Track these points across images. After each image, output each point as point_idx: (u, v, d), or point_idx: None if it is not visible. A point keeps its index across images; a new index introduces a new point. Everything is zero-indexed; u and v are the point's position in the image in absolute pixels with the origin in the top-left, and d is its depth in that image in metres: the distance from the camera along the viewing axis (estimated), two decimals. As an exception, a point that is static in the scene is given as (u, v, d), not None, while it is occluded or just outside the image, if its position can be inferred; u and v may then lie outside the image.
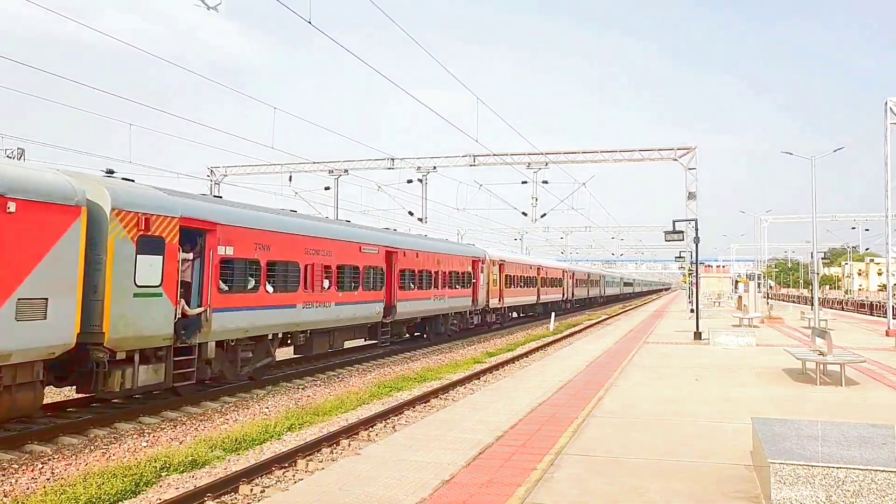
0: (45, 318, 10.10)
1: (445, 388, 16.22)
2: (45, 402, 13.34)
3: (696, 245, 26.80)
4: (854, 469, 5.65)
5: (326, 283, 18.15)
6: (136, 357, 12.04)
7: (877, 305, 57.27)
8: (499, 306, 34.77)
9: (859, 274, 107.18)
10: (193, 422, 12.57)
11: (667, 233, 29.82)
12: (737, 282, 57.20)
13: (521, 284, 39.58)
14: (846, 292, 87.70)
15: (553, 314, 40.38)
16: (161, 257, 12.30)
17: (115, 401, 14.12)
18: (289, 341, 17.70)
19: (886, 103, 25.74)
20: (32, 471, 9.40)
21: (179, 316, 12.94)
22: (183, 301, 13.17)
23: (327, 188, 37.21)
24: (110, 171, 12.83)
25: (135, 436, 11.45)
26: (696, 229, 26.43)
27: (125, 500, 8.37)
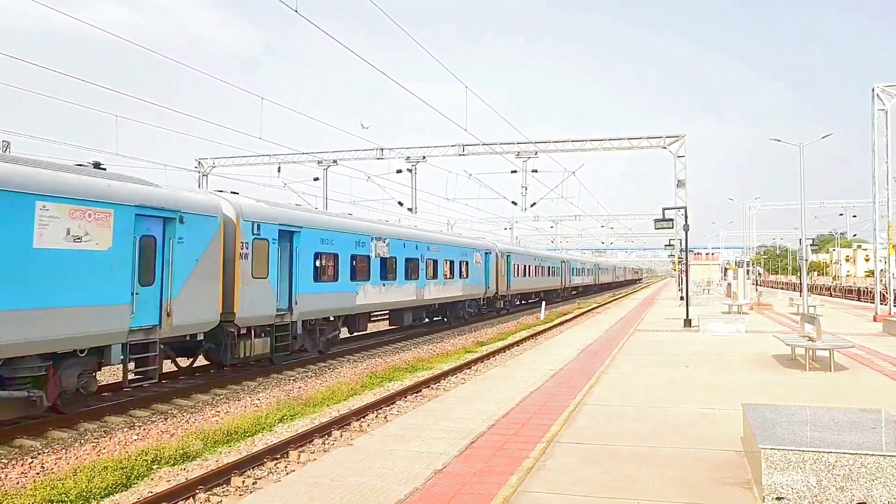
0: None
1: (437, 378, 16.24)
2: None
3: (686, 233, 26.87)
4: (844, 454, 5.68)
5: None
6: None
7: (864, 291, 57.71)
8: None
9: (847, 260, 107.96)
10: (184, 414, 12.52)
11: (656, 220, 29.84)
12: (726, 269, 57.42)
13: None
14: (834, 278, 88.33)
15: (543, 303, 40.23)
16: None
17: (105, 394, 14.06)
18: None
19: (874, 89, 25.81)
20: (22, 465, 9.34)
21: None
22: None
23: (316, 179, 37.15)
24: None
25: (125, 429, 11.39)
26: (686, 217, 26.48)
27: (116, 493, 8.34)
